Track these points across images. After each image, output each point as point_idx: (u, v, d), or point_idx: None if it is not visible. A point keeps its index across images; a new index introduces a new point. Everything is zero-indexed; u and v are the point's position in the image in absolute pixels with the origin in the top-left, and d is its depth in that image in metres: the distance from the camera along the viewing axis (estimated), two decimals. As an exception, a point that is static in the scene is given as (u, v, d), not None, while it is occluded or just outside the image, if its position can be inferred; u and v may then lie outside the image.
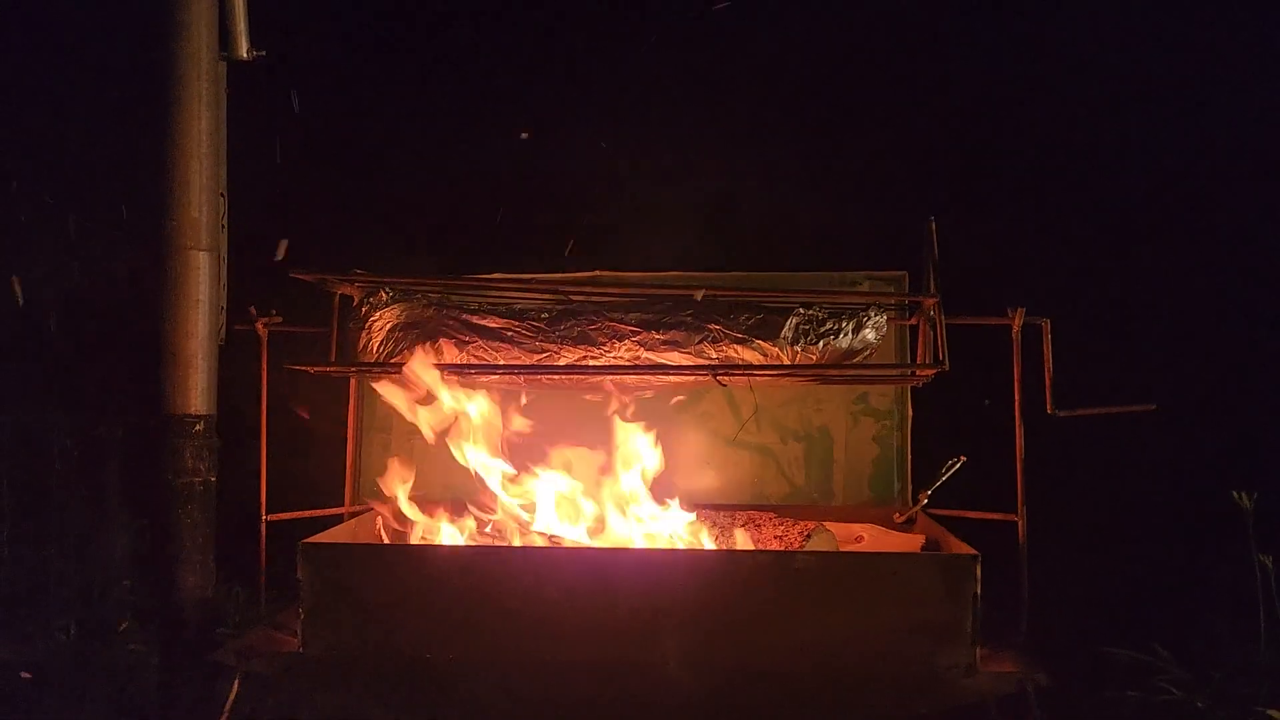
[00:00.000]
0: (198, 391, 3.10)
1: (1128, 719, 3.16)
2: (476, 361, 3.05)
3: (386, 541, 3.15)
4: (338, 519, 3.37)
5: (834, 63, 3.91)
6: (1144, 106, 3.77)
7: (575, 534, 3.16)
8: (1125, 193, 3.81)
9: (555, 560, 2.81)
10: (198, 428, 3.10)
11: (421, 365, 2.99)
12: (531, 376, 3.10)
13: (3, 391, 4.53)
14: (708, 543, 3.04)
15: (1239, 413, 3.68)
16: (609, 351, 3.02)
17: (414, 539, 3.08)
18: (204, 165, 3.12)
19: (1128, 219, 3.81)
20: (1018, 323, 3.09)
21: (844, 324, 3.01)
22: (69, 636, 4.03)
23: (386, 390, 3.05)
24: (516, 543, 3.03)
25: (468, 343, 3.03)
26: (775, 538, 3.01)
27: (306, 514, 3.32)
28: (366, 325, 3.08)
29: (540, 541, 3.01)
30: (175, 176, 3.10)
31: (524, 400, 3.27)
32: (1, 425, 4.33)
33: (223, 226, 3.19)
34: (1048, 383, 3.10)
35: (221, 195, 3.19)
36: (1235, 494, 3.05)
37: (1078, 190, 3.83)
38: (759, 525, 3.04)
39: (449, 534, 3.06)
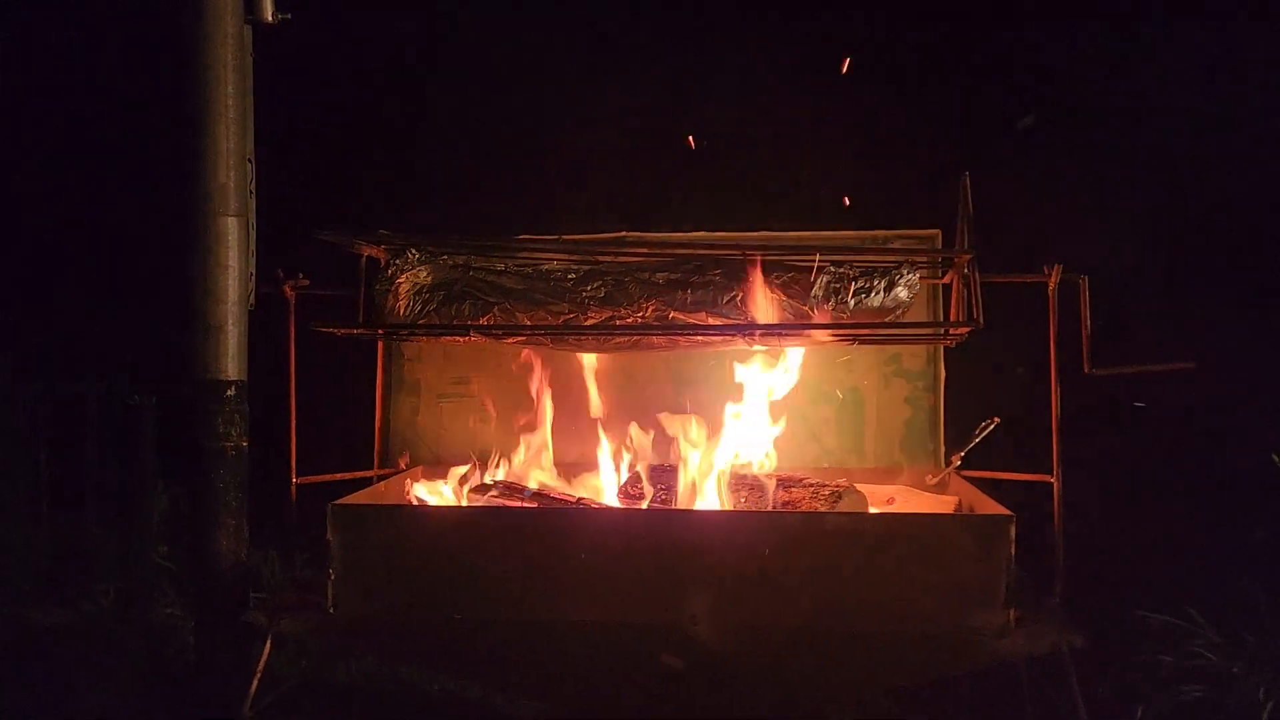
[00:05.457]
0: (229, 357, 3.11)
1: (1161, 683, 3.12)
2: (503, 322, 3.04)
3: (414, 503, 3.15)
4: (368, 481, 3.38)
5: (868, 17, 3.85)
6: (1187, 59, 3.68)
7: (609, 496, 3.16)
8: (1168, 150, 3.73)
9: (583, 521, 2.81)
10: (229, 393, 3.10)
11: None
12: (558, 337, 3.08)
13: (38, 360, 4.59)
14: (736, 503, 3.02)
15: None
16: (636, 312, 2.99)
17: (436, 500, 3.09)
18: (231, 130, 3.10)
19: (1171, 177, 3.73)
20: (1054, 279, 3.02)
21: (876, 282, 2.95)
22: (107, 600, 4.10)
23: None
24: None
25: (494, 304, 3.02)
26: (805, 499, 2.98)
27: (336, 476, 3.33)
28: (393, 287, 3.07)
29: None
30: (203, 142, 3.09)
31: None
32: (38, 394, 4.38)
33: (251, 192, 3.18)
34: (1085, 341, 3.03)
35: (249, 161, 3.18)
36: (1275, 456, 2.99)
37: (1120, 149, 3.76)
38: (789, 486, 3.02)
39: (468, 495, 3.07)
